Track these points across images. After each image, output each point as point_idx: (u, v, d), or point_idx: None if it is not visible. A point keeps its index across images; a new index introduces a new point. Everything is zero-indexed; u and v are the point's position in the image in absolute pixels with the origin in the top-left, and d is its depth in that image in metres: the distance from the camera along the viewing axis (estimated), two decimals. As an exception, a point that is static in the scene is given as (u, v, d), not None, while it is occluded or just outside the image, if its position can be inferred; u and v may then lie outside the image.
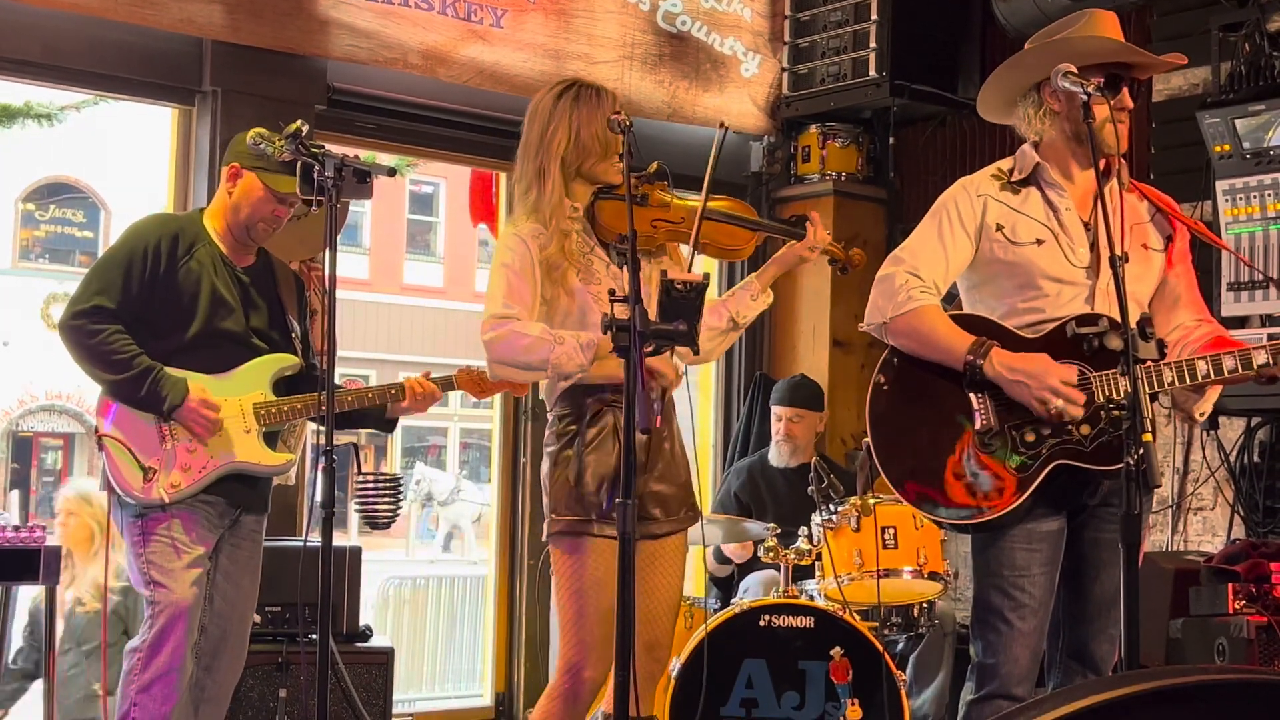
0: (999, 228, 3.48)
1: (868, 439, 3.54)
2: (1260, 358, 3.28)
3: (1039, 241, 3.46)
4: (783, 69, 6.81)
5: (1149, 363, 3.16)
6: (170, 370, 4.03)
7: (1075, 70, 3.31)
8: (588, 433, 3.67)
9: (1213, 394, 3.51)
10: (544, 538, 3.78)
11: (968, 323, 3.48)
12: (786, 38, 6.78)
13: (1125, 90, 3.44)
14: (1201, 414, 3.55)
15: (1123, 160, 3.53)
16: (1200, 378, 3.30)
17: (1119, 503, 3.36)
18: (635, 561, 3.64)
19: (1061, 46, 3.49)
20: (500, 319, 3.62)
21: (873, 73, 6.41)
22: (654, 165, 3.70)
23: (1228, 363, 3.29)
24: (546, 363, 3.57)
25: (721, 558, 5.89)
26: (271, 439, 4.19)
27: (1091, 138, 3.26)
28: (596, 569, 3.62)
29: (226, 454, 4.09)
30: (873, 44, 6.40)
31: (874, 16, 6.41)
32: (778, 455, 5.99)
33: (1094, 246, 3.47)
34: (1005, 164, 3.60)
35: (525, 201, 3.73)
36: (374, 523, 5.13)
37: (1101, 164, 3.51)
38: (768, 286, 3.90)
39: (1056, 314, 3.43)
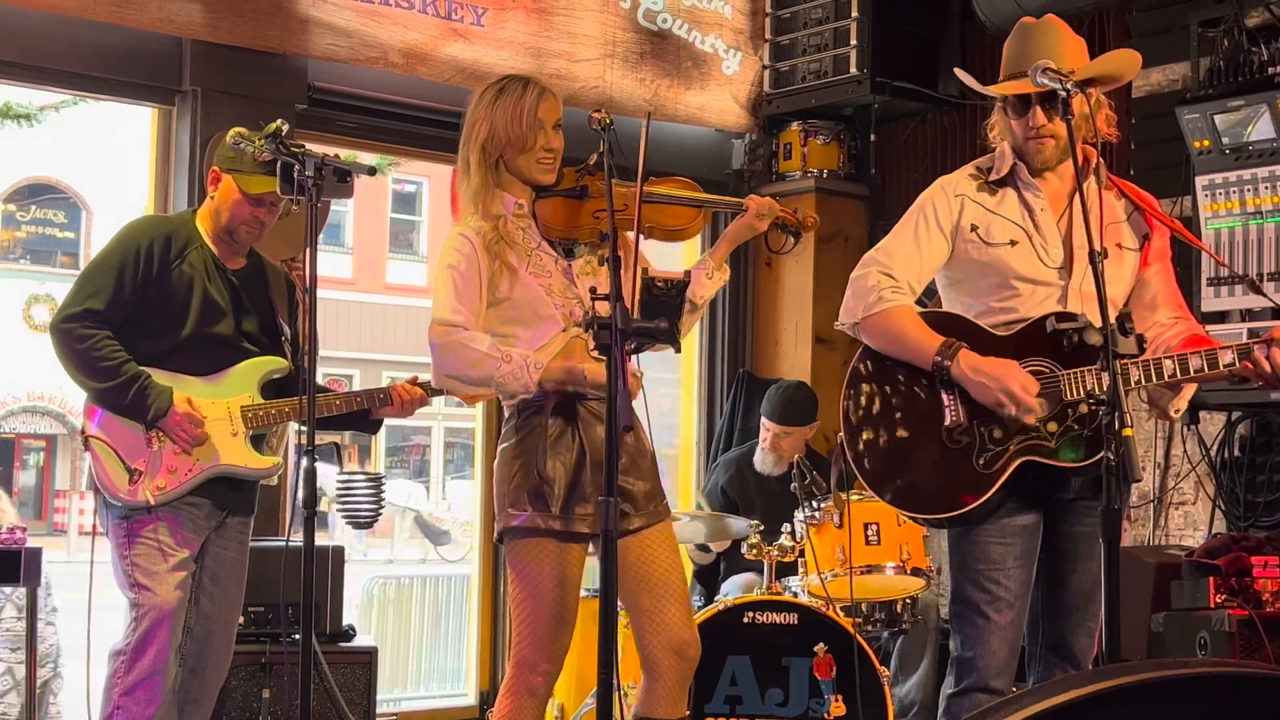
0: (974, 228, 3.51)
1: (841, 434, 3.58)
2: (1226, 357, 3.30)
3: (1012, 243, 3.48)
4: (764, 66, 6.81)
5: (1123, 359, 3.16)
6: (157, 378, 4.02)
7: (1053, 66, 3.32)
8: (550, 427, 3.61)
9: (1187, 391, 3.53)
10: (496, 534, 3.71)
11: (941, 321, 3.50)
12: (767, 35, 6.79)
13: (1037, 109, 3.44)
14: (1176, 411, 3.56)
15: (1101, 158, 3.54)
16: (1166, 377, 3.32)
17: (1095, 497, 3.39)
18: (618, 562, 3.63)
19: (1003, 60, 3.55)
20: (449, 326, 3.57)
21: (853, 70, 6.42)
22: (592, 157, 3.65)
23: (1194, 362, 3.31)
24: (491, 380, 3.53)
25: (703, 545, 5.88)
26: (259, 442, 4.19)
27: (1070, 135, 3.26)
28: (553, 566, 3.58)
29: (213, 457, 4.08)
30: (853, 41, 6.41)
31: (854, 14, 6.42)
32: (763, 462, 5.95)
33: (1068, 246, 3.48)
34: (984, 163, 3.62)
35: (465, 197, 3.72)
36: (356, 522, 5.13)
37: (1081, 160, 3.52)
38: (723, 263, 3.86)
39: (1029, 314, 3.45)
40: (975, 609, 3.45)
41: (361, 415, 4.29)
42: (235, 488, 4.17)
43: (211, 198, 4.17)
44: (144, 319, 4.07)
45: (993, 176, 3.56)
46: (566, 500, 3.57)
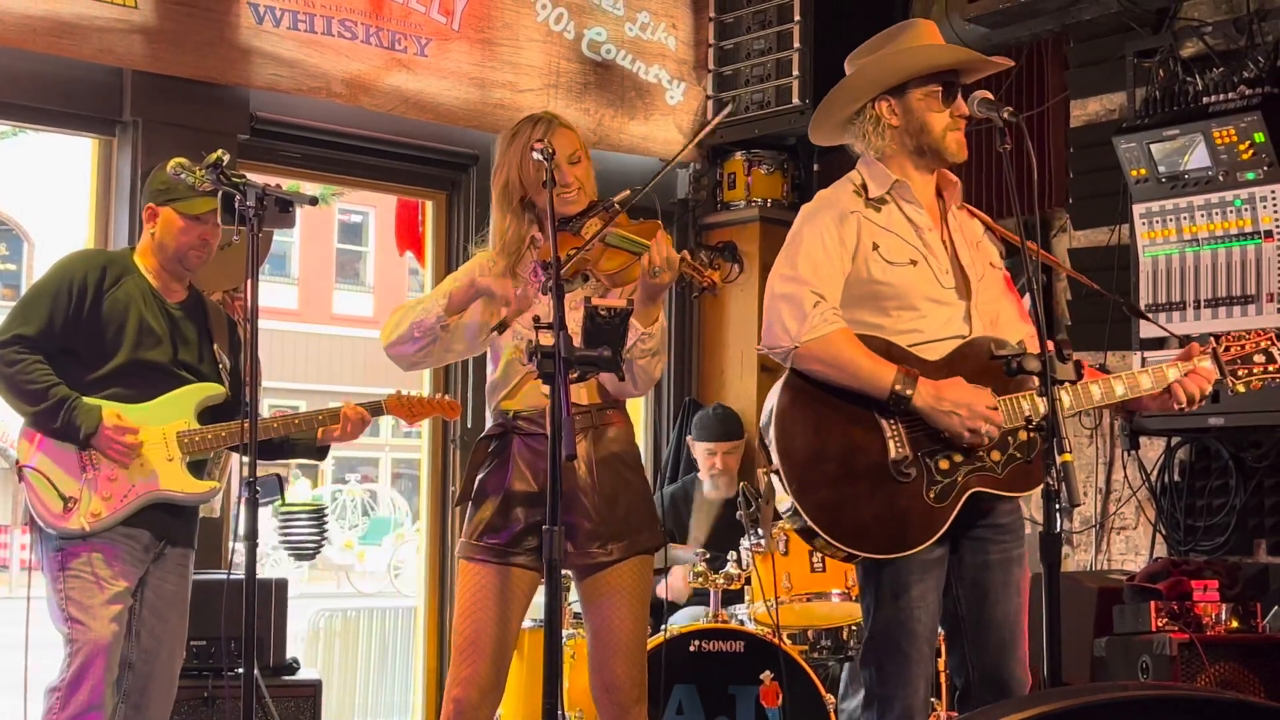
0: (875, 247, 3.40)
1: (773, 468, 3.35)
2: (1145, 382, 3.43)
3: (913, 262, 3.39)
4: (707, 96, 6.85)
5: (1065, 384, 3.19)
6: (86, 399, 3.99)
7: (991, 97, 3.35)
8: (490, 455, 3.74)
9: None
10: None
11: (868, 345, 3.33)
12: (710, 66, 6.82)
13: (960, 97, 3.42)
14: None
15: (956, 179, 3.53)
16: (1095, 401, 3.39)
17: (1004, 521, 3.40)
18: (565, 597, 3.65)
19: (893, 61, 3.45)
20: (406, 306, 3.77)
21: (796, 100, 6.46)
22: (619, 195, 3.67)
23: (1119, 388, 3.40)
24: (412, 325, 3.67)
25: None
26: (197, 469, 4.15)
27: (1013, 159, 3.26)
28: (466, 591, 3.69)
29: (149, 482, 4.04)
30: (795, 72, 6.45)
31: (796, 45, 6.46)
32: (714, 489, 5.97)
33: (956, 265, 3.45)
34: (857, 179, 3.50)
35: (492, 233, 3.83)
36: (299, 553, 5.09)
37: (934, 184, 3.52)
38: (645, 318, 3.60)
39: (936, 335, 3.37)
40: (896, 646, 3.34)
41: (307, 442, 4.27)
42: (174, 514, 4.13)
43: (151, 234, 4.15)
44: (78, 348, 4.05)
45: (871, 194, 3.46)
46: (487, 528, 3.69)
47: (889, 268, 3.39)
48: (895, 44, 3.49)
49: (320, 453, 4.37)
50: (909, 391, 3.24)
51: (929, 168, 3.49)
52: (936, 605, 3.38)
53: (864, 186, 3.47)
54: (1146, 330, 5.29)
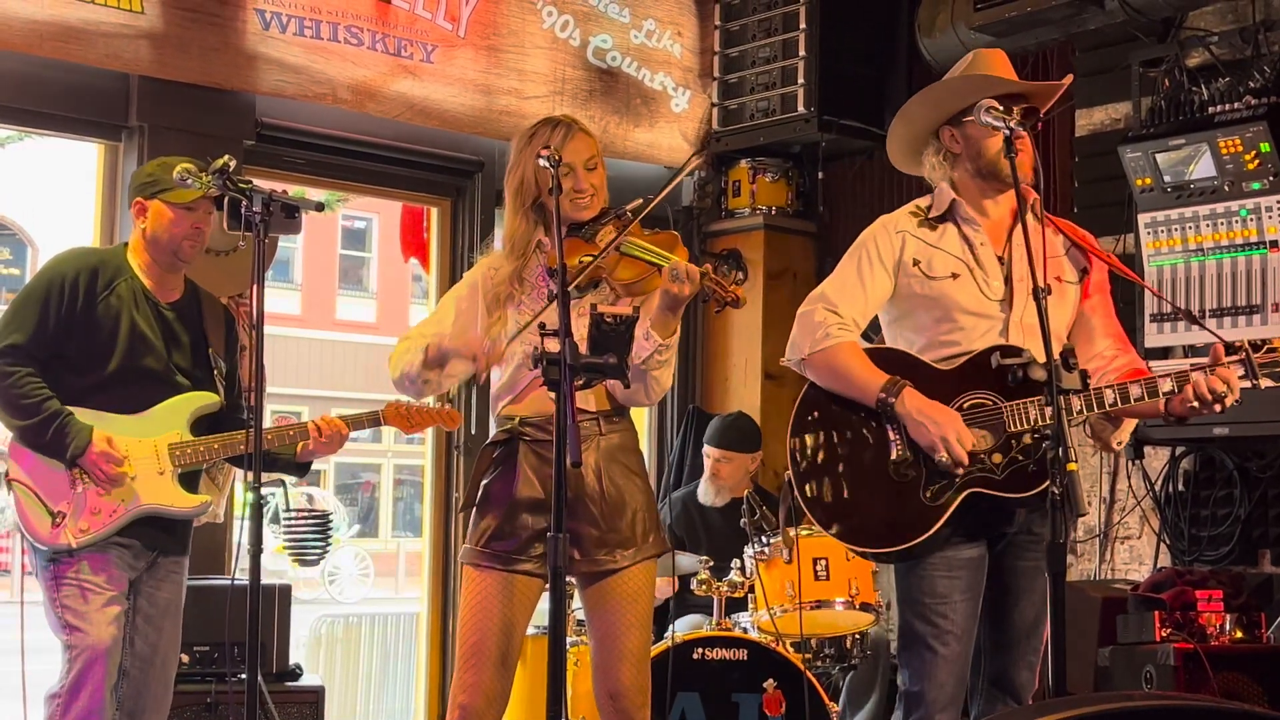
0: (916, 263, 3.56)
1: (789, 472, 3.60)
2: (1166, 385, 3.36)
3: (954, 276, 3.53)
4: (713, 104, 6.86)
5: (1067, 394, 3.19)
6: (78, 416, 3.94)
7: (998, 106, 3.37)
8: (496, 461, 3.74)
9: (1129, 423, 3.59)
10: None
11: (884, 357, 3.55)
12: (716, 73, 6.83)
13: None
14: (1119, 443, 3.63)
15: (1037, 194, 3.58)
16: (1107, 406, 3.38)
17: (1040, 531, 3.43)
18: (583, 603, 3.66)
19: (942, 90, 3.61)
20: (406, 338, 3.78)
21: (801, 108, 6.47)
22: (633, 204, 3.69)
23: (1134, 391, 3.38)
24: (404, 377, 3.72)
25: None
26: (189, 480, 4.09)
27: (1014, 170, 3.30)
28: (471, 597, 3.68)
29: (138, 497, 3.98)
30: (801, 80, 6.47)
31: (802, 53, 6.48)
32: (705, 492, 5.98)
33: (1008, 280, 3.54)
34: (923, 201, 3.67)
35: (503, 236, 3.83)
36: (303, 560, 5.09)
37: (1012, 202, 3.58)
38: (663, 330, 3.62)
39: (972, 346, 3.50)
40: (922, 643, 3.47)
41: (287, 457, 4.19)
42: (166, 528, 4.08)
43: (142, 229, 4.09)
44: (70, 353, 4.00)
45: (933, 214, 3.62)
46: (493, 535, 3.68)
47: (929, 282, 3.54)
48: (955, 73, 3.63)
49: (300, 469, 4.29)
50: (892, 399, 3.43)
51: (997, 189, 3.59)
52: (970, 605, 3.49)
53: (927, 209, 3.63)
54: (1151, 340, 5.29)
